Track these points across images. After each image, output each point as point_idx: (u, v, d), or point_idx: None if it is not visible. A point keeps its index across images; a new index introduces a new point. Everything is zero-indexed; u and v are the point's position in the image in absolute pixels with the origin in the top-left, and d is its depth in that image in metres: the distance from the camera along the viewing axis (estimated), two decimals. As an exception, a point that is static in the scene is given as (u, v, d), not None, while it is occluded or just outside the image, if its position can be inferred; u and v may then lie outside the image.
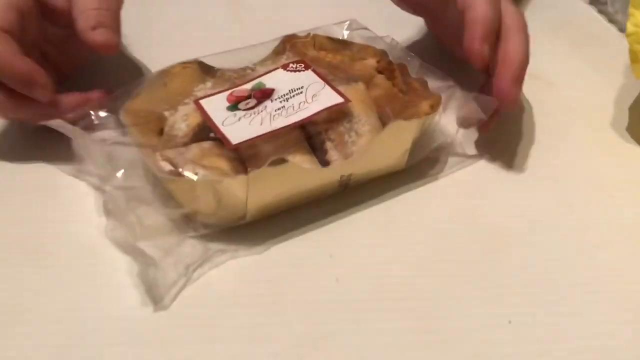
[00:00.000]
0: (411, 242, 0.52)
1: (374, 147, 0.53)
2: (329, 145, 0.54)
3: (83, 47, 0.52)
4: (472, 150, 0.61)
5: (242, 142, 0.51)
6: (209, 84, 0.58)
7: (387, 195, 0.56)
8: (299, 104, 0.54)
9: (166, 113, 0.56)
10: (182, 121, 0.55)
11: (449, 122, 0.60)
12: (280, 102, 0.54)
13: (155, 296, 0.46)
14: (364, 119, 0.55)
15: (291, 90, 0.55)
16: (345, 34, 0.67)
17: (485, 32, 0.52)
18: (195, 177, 0.48)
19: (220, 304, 0.47)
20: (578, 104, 0.65)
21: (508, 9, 0.54)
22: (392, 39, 0.65)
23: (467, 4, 0.53)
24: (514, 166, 0.58)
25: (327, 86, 0.55)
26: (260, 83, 0.57)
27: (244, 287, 0.48)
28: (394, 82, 0.61)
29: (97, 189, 0.53)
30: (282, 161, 0.48)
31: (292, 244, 0.51)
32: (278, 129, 0.51)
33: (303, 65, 0.58)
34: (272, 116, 0.53)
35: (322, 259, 0.50)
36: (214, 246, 0.50)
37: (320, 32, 0.65)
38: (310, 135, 0.54)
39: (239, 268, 0.49)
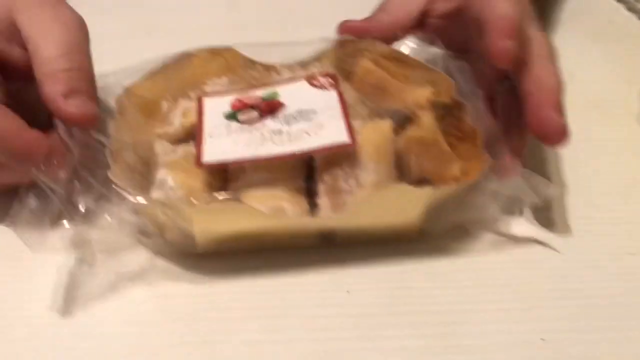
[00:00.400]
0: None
1: (368, 206, 0.43)
2: (321, 188, 0.45)
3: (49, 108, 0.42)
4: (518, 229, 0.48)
5: (212, 164, 0.44)
6: (224, 80, 0.51)
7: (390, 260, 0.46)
8: (299, 131, 0.45)
9: (164, 104, 0.50)
10: (179, 116, 0.49)
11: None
12: (282, 123, 0.46)
13: (74, 299, 0.42)
14: (371, 167, 0.44)
15: (300, 112, 0.47)
16: (409, 47, 0.55)
17: (511, 28, 0.45)
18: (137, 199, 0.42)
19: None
20: (597, 96, 0.61)
21: (535, 35, 0.47)
22: (464, 64, 0.53)
23: (488, 3, 0.47)
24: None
25: (341, 117, 0.46)
26: (274, 93, 0.49)
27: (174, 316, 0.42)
28: (443, 125, 0.49)
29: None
30: (238, 201, 0.40)
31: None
32: (260, 158, 0.43)
33: (330, 81, 0.49)
34: (263, 139, 0.45)
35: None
36: (161, 264, 0.45)
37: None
38: (312, 169, 0.46)
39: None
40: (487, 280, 0.45)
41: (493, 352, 0.40)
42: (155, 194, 0.44)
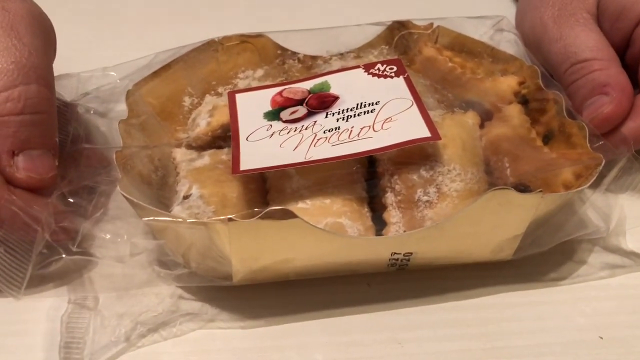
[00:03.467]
0: None
1: (459, 222, 0.32)
2: (389, 198, 0.34)
3: None
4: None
5: (251, 170, 0.34)
6: (259, 72, 0.42)
7: (476, 291, 0.36)
8: (362, 129, 0.35)
9: (187, 100, 0.40)
10: (205, 115, 0.39)
11: (608, 199, 0.37)
12: (338, 119, 0.36)
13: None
14: (456, 169, 0.34)
15: (360, 105, 0.37)
16: (486, 35, 0.46)
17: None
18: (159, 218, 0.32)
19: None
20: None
21: None
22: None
23: None
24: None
25: (414, 107, 0.36)
26: (324, 84, 0.39)
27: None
28: (537, 121, 0.40)
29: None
30: (289, 215, 0.30)
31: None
32: (312, 161, 0.33)
33: (395, 69, 0.39)
34: (315, 139, 0.35)
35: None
36: (187, 306, 0.35)
37: (447, 25, 0.45)
38: (374, 174, 0.36)
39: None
40: (610, 314, 0.35)
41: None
42: (179, 211, 0.35)
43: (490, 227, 0.33)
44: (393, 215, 0.34)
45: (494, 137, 0.38)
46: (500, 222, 0.33)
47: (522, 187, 0.35)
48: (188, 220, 0.31)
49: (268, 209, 0.30)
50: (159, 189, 0.38)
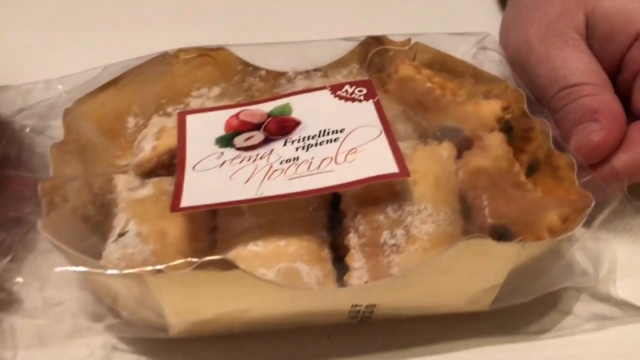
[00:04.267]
0: None
1: (429, 271, 0.28)
2: (352, 239, 0.31)
3: None
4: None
5: (192, 208, 0.30)
6: (215, 90, 0.37)
7: (449, 345, 0.32)
8: (323, 160, 0.31)
9: (131, 121, 0.36)
10: (151, 138, 0.35)
11: (598, 242, 0.34)
12: (297, 148, 0.32)
13: None
14: (428, 209, 0.31)
15: (323, 132, 0.33)
16: (469, 53, 0.42)
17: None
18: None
19: None
20: None
21: None
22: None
23: None
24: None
25: (382, 136, 0.32)
26: (285, 106, 0.35)
27: None
28: (521, 150, 0.36)
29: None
30: (229, 265, 0.26)
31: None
32: (263, 198, 0.29)
33: (364, 92, 0.35)
34: (270, 171, 0.31)
35: None
36: (121, 358, 0.30)
37: (426, 41, 0.41)
38: (337, 212, 0.32)
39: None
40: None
41: None
42: (112, 251, 0.30)
43: (465, 277, 0.29)
44: (356, 260, 0.30)
45: (473, 170, 0.34)
46: (475, 271, 0.29)
47: (502, 231, 0.31)
48: (107, 272, 0.27)
49: (203, 260, 0.26)
50: (98, 224, 0.33)
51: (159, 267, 0.26)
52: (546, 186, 0.35)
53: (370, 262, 0.30)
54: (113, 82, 0.37)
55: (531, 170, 0.37)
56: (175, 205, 0.30)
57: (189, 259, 0.28)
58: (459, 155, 0.35)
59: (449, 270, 0.28)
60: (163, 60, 0.39)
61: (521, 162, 0.36)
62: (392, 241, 0.30)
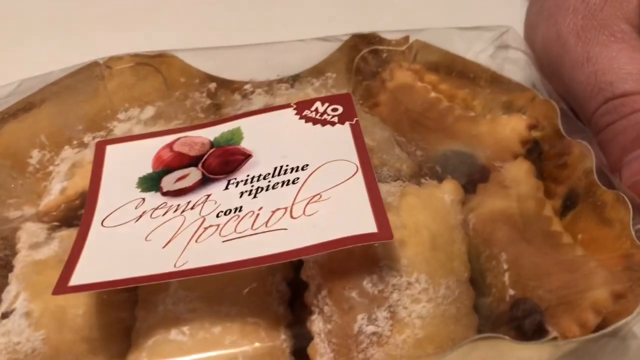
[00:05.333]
0: None
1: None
2: (316, 324, 0.22)
3: None
4: None
5: (83, 287, 0.21)
6: (149, 111, 0.29)
7: None
8: (274, 212, 0.22)
9: (34, 154, 0.28)
10: (61, 177, 0.27)
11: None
12: (242, 193, 0.23)
13: None
14: (421, 282, 0.22)
15: (279, 170, 0.24)
16: (485, 53, 0.33)
17: None
18: None
19: None
20: None
21: None
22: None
23: None
24: None
25: (359, 176, 0.23)
26: (235, 132, 0.26)
27: None
28: (553, 179, 0.27)
29: None
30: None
31: None
32: (181, 272, 0.21)
33: (340, 111, 0.26)
34: (200, 229, 0.22)
35: None
36: None
37: (430, 39, 0.32)
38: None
39: None
40: None
41: None
42: (-7, 337, 0.22)
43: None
44: (322, 354, 0.22)
45: (487, 216, 0.25)
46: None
47: (527, 308, 0.22)
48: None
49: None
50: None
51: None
52: (588, 231, 0.26)
53: (340, 357, 0.21)
54: (24, 102, 0.29)
55: (567, 206, 0.28)
56: (61, 283, 0.21)
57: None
58: (472, 190, 0.26)
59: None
60: (91, 72, 0.31)
61: (554, 194, 0.28)
62: (371, 328, 0.21)
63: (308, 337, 0.23)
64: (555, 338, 0.19)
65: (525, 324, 0.22)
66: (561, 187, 0.29)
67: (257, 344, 0.22)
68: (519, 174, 0.27)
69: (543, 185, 0.28)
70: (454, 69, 0.32)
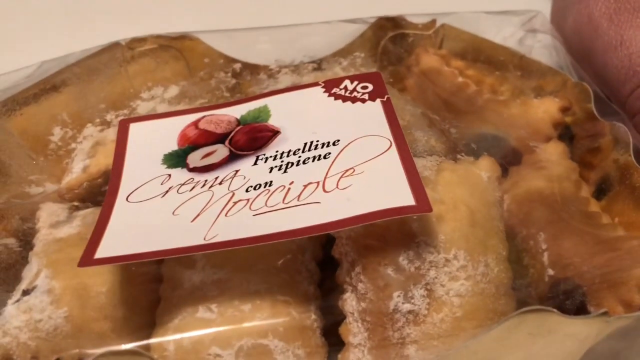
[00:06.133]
0: None
1: (466, 355, 0.19)
2: (349, 302, 0.21)
3: None
4: None
5: (109, 260, 0.20)
6: (173, 90, 0.28)
7: None
8: (306, 187, 0.22)
9: (56, 132, 0.27)
10: (83, 156, 0.26)
11: None
12: (272, 169, 0.23)
13: None
14: (460, 259, 0.21)
15: (310, 145, 0.23)
16: (513, 38, 0.32)
17: None
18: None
19: None
20: None
21: None
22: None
23: None
24: None
25: (393, 150, 0.22)
26: (262, 110, 0.26)
27: None
28: (587, 164, 0.26)
29: None
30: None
31: None
32: (212, 245, 0.20)
33: (370, 89, 0.25)
34: (229, 204, 0.22)
35: None
36: None
37: (457, 23, 0.32)
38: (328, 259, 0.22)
39: None
40: None
41: None
42: (12, 315, 0.22)
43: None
44: (355, 333, 0.21)
45: (523, 196, 0.24)
46: (533, 359, 0.19)
47: (569, 288, 0.21)
48: None
49: (103, 352, 0.17)
50: (10, 272, 0.25)
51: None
52: (625, 214, 0.25)
53: (374, 337, 0.20)
54: (45, 82, 0.29)
55: (601, 191, 0.27)
56: (87, 256, 0.20)
57: (80, 351, 0.19)
58: (504, 173, 0.26)
59: (493, 357, 0.19)
60: (112, 53, 0.30)
61: (586, 180, 0.27)
62: (407, 306, 0.20)
63: (339, 317, 0.22)
64: (605, 313, 0.18)
65: (567, 304, 0.21)
66: (594, 173, 0.28)
67: (287, 322, 0.21)
68: (553, 155, 0.26)
69: (578, 171, 0.27)
70: (482, 54, 0.32)
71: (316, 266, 0.23)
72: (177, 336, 0.20)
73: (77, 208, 0.26)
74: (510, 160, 0.27)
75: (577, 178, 0.26)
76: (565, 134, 0.29)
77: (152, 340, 0.20)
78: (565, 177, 0.25)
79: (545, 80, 0.30)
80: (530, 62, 0.30)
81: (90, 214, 0.25)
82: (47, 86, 0.29)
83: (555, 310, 0.18)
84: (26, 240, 0.26)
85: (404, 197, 0.20)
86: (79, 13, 0.40)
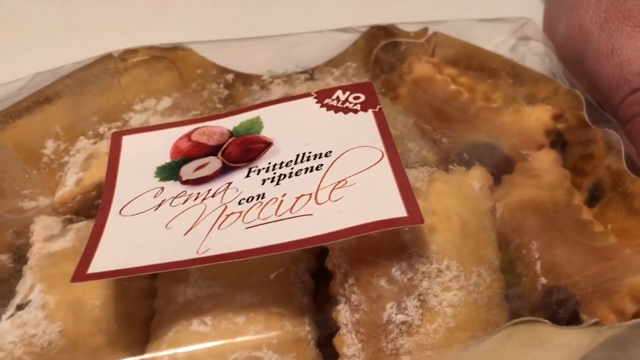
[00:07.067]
0: None
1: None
2: (342, 314, 0.21)
3: None
4: None
5: (102, 275, 0.20)
6: (165, 102, 0.28)
7: None
8: (298, 199, 0.22)
9: (48, 145, 0.27)
10: (76, 169, 0.26)
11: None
12: (264, 180, 0.23)
13: None
14: (452, 270, 0.21)
15: (302, 157, 0.23)
16: (505, 45, 0.33)
17: None
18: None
19: None
20: None
21: None
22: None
23: None
24: None
25: (385, 161, 0.22)
26: (254, 121, 0.26)
27: None
28: (579, 171, 0.26)
29: None
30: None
31: None
32: (205, 259, 0.20)
33: (362, 99, 0.26)
34: (222, 216, 0.22)
35: None
36: None
37: (449, 31, 0.32)
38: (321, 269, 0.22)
39: None
40: None
41: None
42: (7, 330, 0.22)
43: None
44: (349, 344, 0.21)
45: (516, 205, 0.24)
46: (526, 367, 0.19)
47: (562, 297, 0.21)
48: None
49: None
50: (6, 283, 0.25)
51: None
52: (618, 222, 0.26)
53: (368, 348, 0.20)
54: (37, 94, 0.29)
55: (593, 198, 0.27)
56: (80, 271, 0.20)
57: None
58: (496, 182, 0.26)
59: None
60: (105, 65, 0.30)
61: (579, 187, 0.27)
62: (401, 317, 0.20)
63: (333, 329, 0.22)
64: (597, 323, 0.18)
65: (560, 312, 0.21)
66: (587, 180, 0.28)
67: (281, 334, 0.21)
68: (545, 163, 0.26)
69: (570, 179, 0.27)
70: (474, 61, 0.32)
71: (310, 278, 0.23)
72: (172, 351, 0.20)
73: (71, 221, 0.26)
74: (502, 168, 0.27)
75: (570, 186, 0.26)
76: (558, 141, 0.29)
77: (147, 356, 0.20)
78: (557, 185, 0.25)
79: (538, 87, 0.30)
80: (522, 69, 0.30)
81: (84, 227, 0.25)
82: (40, 98, 0.29)
83: (546, 321, 0.18)
84: (20, 254, 0.26)
85: (396, 209, 0.20)
86: (71, 24, 0.40)
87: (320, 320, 0.22)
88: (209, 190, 0.23)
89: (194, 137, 0.26)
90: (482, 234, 0.22)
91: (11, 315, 0.22)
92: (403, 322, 0.20)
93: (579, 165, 0.28)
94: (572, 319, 0.21)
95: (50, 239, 0.25)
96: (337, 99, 0.26)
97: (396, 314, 0.20)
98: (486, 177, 0.24)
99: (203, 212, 0.22)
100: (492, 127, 0.28)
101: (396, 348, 0.20)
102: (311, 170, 0.23)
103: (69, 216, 0.26)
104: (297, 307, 0.22)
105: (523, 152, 0.26)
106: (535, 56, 0.32)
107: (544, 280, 0.22)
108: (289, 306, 0.22)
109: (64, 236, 0.25)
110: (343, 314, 0.21)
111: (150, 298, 0.23)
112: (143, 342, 0.22)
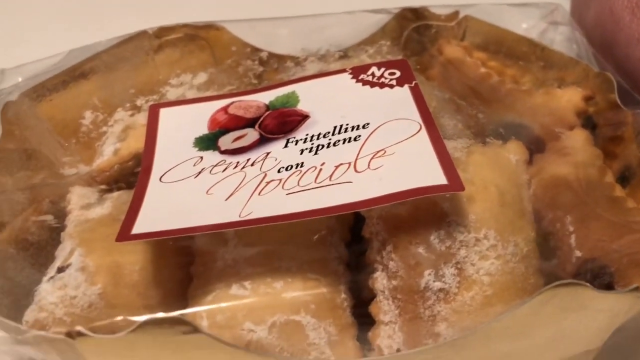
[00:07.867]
0: None
1: (496, 334, 0.19)
2: (379, 281, 0.21)
3: None
4: None
5: (146, 235, 0.21)
6: (201, 77, 0.29)
7: None
8: (337, 167, 0.22)
9: (87, 116, 0.27)
10: (114, 140, 0.27)
11: None
12: (302, 150, 0.23)
13: None
14: (490, 239, 0.21)
15: (339, 129, 0.24)
16: (535, 29, 0.33)
17: None
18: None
19: None
20: None
21: None
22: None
23: None
24: None
25: (423, 133, 0.23)
26: (290, 95, 0.26)
27: None
28: (609, 153, 0.26)
29: None
30: (185, 328, 0.17)
31: None
32: (247, 221, 0.21)
33: (397, 75, 0.26)
34: (262, 183, 0.22)
35: None
36: None
37: (479, 15, 0.32)
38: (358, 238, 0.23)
39: None
40: None
41: None
42: (47, 292, 0.22)
43: (547, 342, 0.20)
44: (385, 310, 0.21)
45: (550, 181, 0.24)
46: (563, 334, 0.19)
47: (596, 269, 0.22)
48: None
49: (147, 319, 0.17)
50: (41, 253, 0.25)
51: (78, 328, 0.17)
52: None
53: (405, 314, 0.21)
54: (73, 69, 0.29)
55: (623, 179, 0.27)
56: (124, 231, 0.21)
57: (123, 318, 0.19)
58: (529, 161, 0.26)
59: (524, 331, 0.19)
60: (140, 42, 0.31)
61: (611, 168, 0.27)
62: (438, 285, 0.21)
63: (368, 296, 0.22)
64: (637, 288, 0.18)
65: (595, 283, 0.21)
66: (616, 162, 0.28)
67: (319, 300, 0.21)
68: (577, 142, 0.26)
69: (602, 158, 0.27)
70: (504, 45, 0.32)
71: (345, 247, 0.23)
72: (212, 306, 0.20)
73: (107, 191, 0.26)
74: (534, 148, 0.27)
75: (602, 164, 0.26)
76: (587, 123, 0.29)
77: (186, 311, 0.21)
78: (590, 163, 0.25)
79: (567, 71, 0.30)
80: (553, 53, 0.31)
81: (122, 195, 0.26)
82: (76, 73, 0.29)
83: (588, 284, 0.18)
84: (58, 221, 0.27)
85: (436, 177, 0.21)
86: (106, 4, 0.40)
87: (354, 288, 0.23)
88: (248, 160, 0.23)
89: (231, 110, 0.26)
90: (519, 205, 0.22)
91: (52, 277, 0.23)
92: (440, 290, 0.21)
93: (609, 147, 0.28)
94: (607, 289, 0.21)
95: (87, 207, 0.25)
96: (373, 74, 0.26)
97: (434, 281, 0.21)
98: (522, 151, 0.24)
99: (243, 179, 0.22)
100: (523, 108, 0.28)
101: (433, 315, 0.21)
102: (349, 141, 0.23)
103: (104, 186, 0.27)
104: (333, 274, 0.22)
105: (555, 130, 0.27)
106: (565, 41, 0.32)
107: (578, 253, 0.22)
108: (325, 273, 0.22)
109: (101, 204, 0.25)
110: (380, 281, 0.21)
111: (188, 265, 0.23)
112: (181, 307, 0.22)
